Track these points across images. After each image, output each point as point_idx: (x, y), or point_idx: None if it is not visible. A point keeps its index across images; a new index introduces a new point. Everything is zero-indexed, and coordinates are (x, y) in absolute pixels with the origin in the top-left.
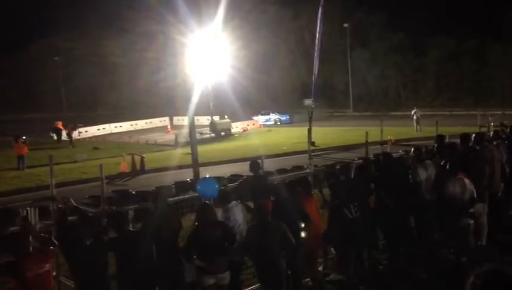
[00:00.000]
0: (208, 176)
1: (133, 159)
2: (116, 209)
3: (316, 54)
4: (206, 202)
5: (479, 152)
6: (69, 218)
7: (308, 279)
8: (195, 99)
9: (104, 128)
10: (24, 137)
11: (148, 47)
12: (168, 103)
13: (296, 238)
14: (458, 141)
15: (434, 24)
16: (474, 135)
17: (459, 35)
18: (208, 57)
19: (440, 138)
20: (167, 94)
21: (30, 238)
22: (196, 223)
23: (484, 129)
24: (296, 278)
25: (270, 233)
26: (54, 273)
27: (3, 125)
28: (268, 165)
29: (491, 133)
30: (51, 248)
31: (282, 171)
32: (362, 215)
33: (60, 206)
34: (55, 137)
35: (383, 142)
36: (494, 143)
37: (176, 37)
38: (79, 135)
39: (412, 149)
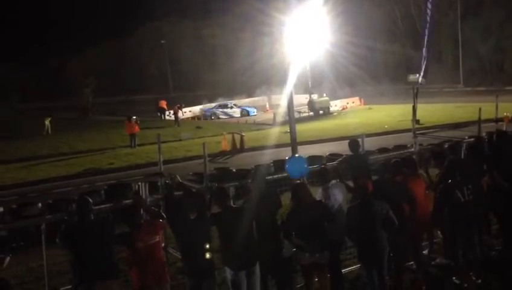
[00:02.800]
0: (296, 155)
1: (233, 137)
2: (219, 185)
3: (426, 26)
4: (300, 181)
5: None
6: (175, 193)
7: (412, 262)
8: (292, 77)
9: (206, 107)
10: (135, 117)
11: (246, 27)
12: (266, 81)
13: (399, 220)
14: None
15: None
16: None
17: None
18: (307, 34)
19: None
20: (265, 73)
21: (141, 211)
22: (292, 203)
23: None
24: (399, 260)
25: (372, 213)
26: (163, 245)
27: (115, 106)
28: (369, 144)
29: None
30: (160, 220)
31: (383, 150)
32: (474, 198)
33: (167, 181)
34: (161, 116)
35: (498, 120)
36: None
37: (275, 14)
38: (183, 115)
39: None
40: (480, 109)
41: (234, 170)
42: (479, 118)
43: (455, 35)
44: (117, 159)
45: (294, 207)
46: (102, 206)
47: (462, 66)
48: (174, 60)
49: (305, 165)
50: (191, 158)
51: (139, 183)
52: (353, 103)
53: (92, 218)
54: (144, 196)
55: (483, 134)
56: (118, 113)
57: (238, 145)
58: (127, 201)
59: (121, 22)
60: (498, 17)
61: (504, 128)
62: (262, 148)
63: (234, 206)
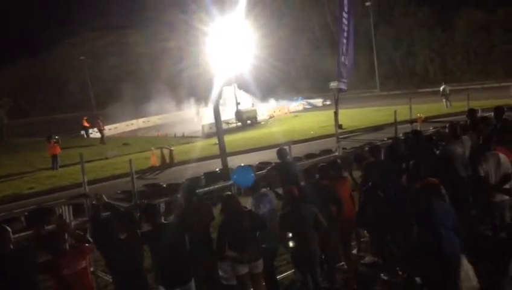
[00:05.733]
0: (242, 165)
1: (162, 152)
2: (148, 202)
3: (343, 34)
4: (229, 193)
5: None
6: (103, 214)
7: (342, 263)
8: (218, 89)
9: (132, 124)
10: (56, 137)
11: (171, 36)
12: (193, 93)
13: (328, 222)
14: (491, 114)
15: None
16: (508, 107)
17: (488, 5)
18: (230, 45)
19: (472, 112)
20: (192, 84)
21: (66, 236)
22: (223, 215)
23: None
24: (331, 262)
25: (301, 218)
26: (91, 269)
27: (34, 127)
28: (297, 150)
29: None
30: (87, 244)
31: (310, 156)
32: (395, 196)
33: (93, 202)
34: (85, 135)
35: (412, 121)
36: None
37: (198, 25)
38: (108, 131)
39: (447, 125)
40: (395, 112)
41: (164, 185)
42: (395, 120)
43: (369, 43)
44: (38, 183)
45: (225, 219)
46: (23, 233)
47: (377, 72)
48: (96, 76)
49: (252, 174)
50: (119, 176)
51: (63, 207)
52: (279, 111)
53: (12, 248)
54: (68, 220)
55: (400, 135)
56: (38, 134)
57: (167, 160)
58: (50, 226)
59: (39, 39)
60: (408, 24)
61: (418, 128)
62: (192, 161)
63: (165, 222)
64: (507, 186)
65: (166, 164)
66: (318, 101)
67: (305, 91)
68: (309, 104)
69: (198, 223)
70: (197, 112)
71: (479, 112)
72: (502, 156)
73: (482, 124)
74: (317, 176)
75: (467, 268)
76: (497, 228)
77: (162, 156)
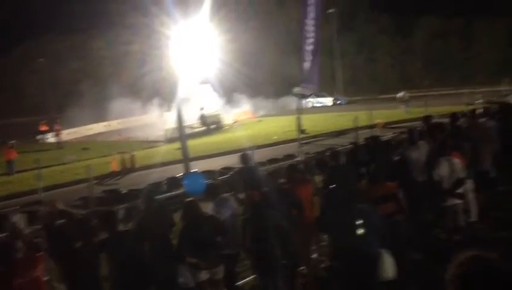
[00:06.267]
0: (194, 171)
1: (123, 157)
2: (105, 209)
3: (306, 40)
4: (190, 199)
5: (467, 130)
6: (58, 221)
7: (303, 267)
8: (182, 93)
9: (92, 128)
10: (12, 141)
11: (133, 40)
12: (155, 97)
13: (289, 227)
14: (447, 120)
15: (420, 3)
16: (462, 114)
17: (446, 14)
18: (194, 49)
19: (428, 118)
20: (153, 88)
21: (19, 245)
22: (183, 221)
23: (471, 107)
24: (292, 266)
25: (263, 223)
26: (46, 278)
27: None
28: (261, 155)
29: (479, 110)
30: (40, 253)
31: (273, 160)
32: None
33: (47, 209)
34: (43, 139)
35: (372, 126)
36: (483, 120)
37: (160, 29)
38: (67, 136)
39: (405, 131)
40: (356, 118)
41: (125, 191)
42: (356, 126)
43: (332, 49)
44: None
45: (185, 225)
46: None
47: (341, 78)
48: (56, 79)
49: (203, 181)
50: (78, 182)
51: (17, 214)
52: (244, 116)
53: None
54: (21, 227)
55: (361, 140)
56: None
57: (128, 165)
58: (2, 235)
59: None
60: (370, 31)
61: (378, 134)
62: (154, 166)
63: (123, 229)
64: (460, 190)
65: (128, 169)
66: (329, 100)
67: (272, 96)
68: (319, 102)
69: (158, 230)
70: (160, 116)
71: (436, 117)
72: (455, 161)
73: (437, 130)
74: (280, 180)
75: (387, 261)
76: (451, 231)
77: (123, 161)
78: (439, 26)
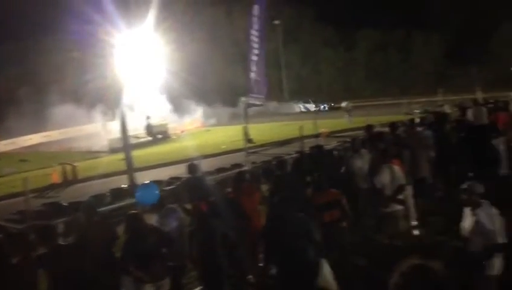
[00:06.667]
0: (147, 181)
1: (64, 169)
2: (43, 222)
3: (252, 51)
4: (133, 211)
5: (406, 139)
6: None
7: (250, 276)
8: (126, 101)
9: (31, 139)
10: None
11: (75, 47)
12: (99, 106)
13: (236, 236)
14: (387, 129)
15: (361, 16)
16: (401, 123)
17: (386, 27)
18: (140, 58)
19: (369, 127)
20: (97, 97)
21: None
22: (127, 234)
23: (410, 116)
24: (240, 276)
25: (209, 233)
26: None
27: None
28: (208, 165)
29: (417, 119)
30: None
31: (221, 170)
32: (300, 208)
33: None
34: None
35: (317, 135)
36: (420, 129)
37: (104, 37)
38: (3, 147)
39: (348, 140)
40: (301, 127)
41: (66, 204)
42: (301, 135)
43: (278, 60)
44: None
45: (128, 237)
46: None
47: (286, 88)
48: None
49: (156, 192)
50: (15, 195)
51: None
52: (192, 125)
53: None
54: None
55: (306, 149)
56: None
57: (70, 177)
58: None
59: None
60: (314, 43)
61: (322, 143)
62: (98, 177)
63: (63, 243)
64: (401, 196)
65: (69, 181)
66: (312, 106)
67: (219, 106)
68: (305, 108)
69: (101, 243)
70: (104, 125)
71: (377, 127)
72: (396, 168)
73: (378, 138)
74: (228, 189)
75: (326, 272)
76: (392, 236)
77: (64, 173)
78: (379, 39)
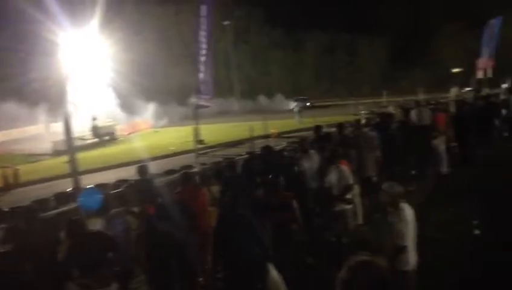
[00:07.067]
0: (89, 186)
1: (4, 172)
2: None
3: (200, 52)
4: (74, 217)
5: (352, 139)
6: None
7: (201, 278)
8: (71, 102)
9: None
10: None
11: (17, 47)
12: (42, 107)
13: (185, 238)
14: (334, 129)
15: (310, 19)
16: (349, 124)
17: (332, 29)
18: (85, 58)
19: (317, 128)
20: (41, 98)
21: None
22: (69, 240)
23: (357, 117)
24: (190, 277)
25: (158, 237)
26: None
27: None
28: (158, 166)
29: (363, 120)
30: None
31: (171, 172)
32: (252, 209)
33: None
34: None
35: (267, 136)
36: (366, 130)
37: (48, 36)
38: None
39: (297, 140)
40: (251, 128)
41: (6, 209)
42: (251, 136)
43: (228, 60)
44: None
45: (71, 243)
46: None
47: (236, 88)
48: None
49: (99, 196)
50: None
51: None
52: (140, 127)
53: None
54: None
55: (257, 149)
56: None
57: (11, 181)
58: None
59: None
60: (263, 44)
61: (272, 143)
62: (41, 181)
63: (1, 251)
64: (349, 195)
65: (11, 185)
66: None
67: (168, 106)
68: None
69: (43, 248)
70: (47, 126)
71: (325, 127)
72: (344, 168)
73: (326, 139)
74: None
75: (273, 275)
76: (340, 234)
77: (5, 177)
78: (327, 41)
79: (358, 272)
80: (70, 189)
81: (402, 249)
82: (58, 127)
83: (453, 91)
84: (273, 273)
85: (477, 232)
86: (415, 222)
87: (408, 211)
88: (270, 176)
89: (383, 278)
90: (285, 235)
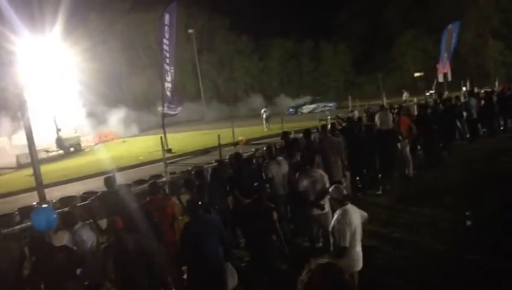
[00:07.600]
0: (44, 205)
1: None
2: None
3: (165, 60)
4: (35, 235)
5: (319, 144)
6: None
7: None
8: (33, 113)
9: None
10: None
11: None
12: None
13: (153, 248)
14: (301, 135)
15: (274, 26)
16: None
17: (296, 37)
18: (47, 67)
19: (285, 134)
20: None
21: None
22: (33, 256)
23: (323, 122)
24: (159, 287)
25: (125, 248)
26: None
27: None
28: (127, 177)
29: (329, 125)
30: None
31: (140, 182)
32: (221, 216)
33: None
34: None
35: (235, 143)
36: (332, 135)
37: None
38: None
39: (265, 147)
40: (219, 136)
41: None
42: (219, 144)
43: (194, 68)
44: None
45: (35, 260)
46: None
47: (203, 96)
48: None
49: (54, 215)
50: None
51: None
52: (106, 137)
53: None
54: None
55: (225, 157)
56: None
57: None
58: None
59: None
60: (229, 52)
61: (240, 150)
62: (4, 195)
63: None
64: (322, 201)
65: None
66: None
67: (135, 116)
68: (308, 108)
69: (5, 265)
70: (10, 139)
71: (292, 133)
72: (318, 173)
73: (294, 145)
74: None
75: (231, 272)
76: (314, 239)
77: None
78: (291, 48)
79: (317, 275)
80: (35, 203)
81: (342, 251)
82: (21, 139)
83: (405, 95)
84: (232, 272)
85: (469, 223)
86: (361, 225)
87: (353, 213)
88: (256, 184)
89: (341, 281)
90: (263, 245)
